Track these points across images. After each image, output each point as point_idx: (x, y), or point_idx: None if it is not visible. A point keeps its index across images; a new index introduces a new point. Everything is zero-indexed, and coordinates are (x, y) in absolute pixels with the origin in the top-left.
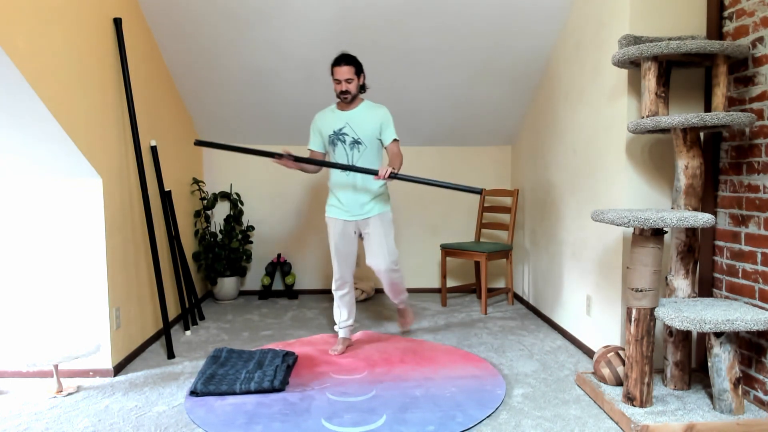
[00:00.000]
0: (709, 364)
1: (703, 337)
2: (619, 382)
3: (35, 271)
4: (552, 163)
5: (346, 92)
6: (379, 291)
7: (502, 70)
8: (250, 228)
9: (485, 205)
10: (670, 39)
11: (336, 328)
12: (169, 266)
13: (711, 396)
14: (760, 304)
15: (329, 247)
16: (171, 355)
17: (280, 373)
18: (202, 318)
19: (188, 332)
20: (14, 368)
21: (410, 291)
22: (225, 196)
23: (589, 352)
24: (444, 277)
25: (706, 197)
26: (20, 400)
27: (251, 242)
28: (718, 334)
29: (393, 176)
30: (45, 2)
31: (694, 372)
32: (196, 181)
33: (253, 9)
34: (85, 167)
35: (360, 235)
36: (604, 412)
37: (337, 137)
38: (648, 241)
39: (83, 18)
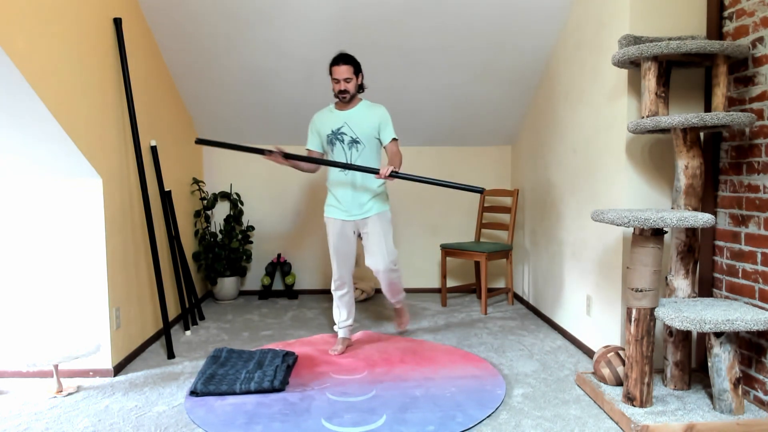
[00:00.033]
0: (709, 364)
1: (703, 337)
2: (619, 382)
3: (35, 272)
4: (552, 163)
5: (345, 92)
6: (379, 291)
7: (502, 70)
8: (250, 228)
9: (485, 205)
10: (670, 39)
11: (335, 328)
12: (169, 266)
13: (711, 396)
14: (760, 304)
15: (328, 247)
16: (171, 355)
17: (280, 373)
18: (202, 318)
19: (188, 332)
20: (14, 368)
21: (410, 291)
22: (225, 196)
23: (589, 352)
24: (444, 277)
25: (706, 197)
26: (20, 400)
27: (251, 242)
28: (718, 334)
29: (394, 175)
30: (45, 2)
31: (694, 372)
32: (196, 181)
33: (253, 9)
34: (85, 167)
35: (359, 235)
36: (604, 412)
37: (335, 137)
38: (648, 241)
39: (83, 18)
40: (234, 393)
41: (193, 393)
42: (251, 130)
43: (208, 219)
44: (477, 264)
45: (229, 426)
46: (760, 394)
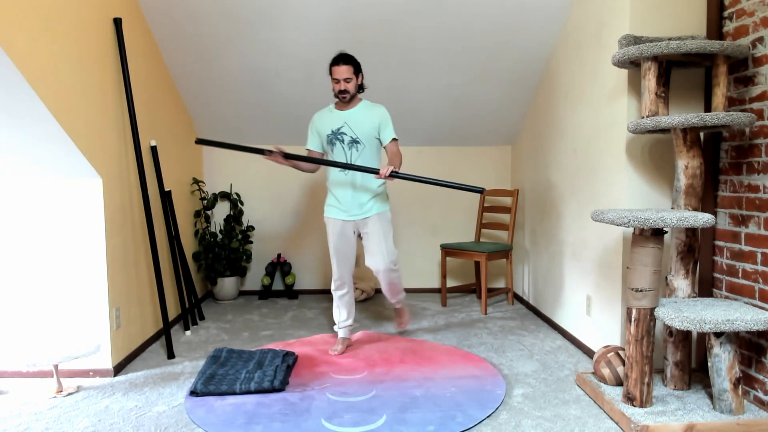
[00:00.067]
0: (709, 364)
1: (703, 337)
2: (619, 382)
3: (35, 272)
4: (552, 163)
5: (345, 91)
6: (379, 291)
7: (502, 70)
8: (250, 228)
9: (485, 205)
10: (670, 39)
11: (335, 328)
12: (169, 266)
13: (711, 396)
14: (760, 304)
15: (328, 247)
16: (171, 355)
17: (280, 373)
18: (202, 318)
19: (188, 332)
20: (14, 368)
21: (410, 291)
22: (225, 196)
23: (589, 352)
24: (444, 277)
25: (706, 197)
26: (20, 400)
27: (251, 242)
28: (718, 334)
29: (394, 175)
30: (45, 2)
31: (694, 372)
32: (196, 181)
33: (253, 9)
34: (85, 167)
35: (359, 235)
36: (604, 412)
37: (335, 137)
38: (648, 241)
39: (83, 18)
40: (234, 393)
41: (193, 393)
42: (251, 130)
43: (208, 219)
44: (477, 264)
45: (229, 426)
46: (760, 394)
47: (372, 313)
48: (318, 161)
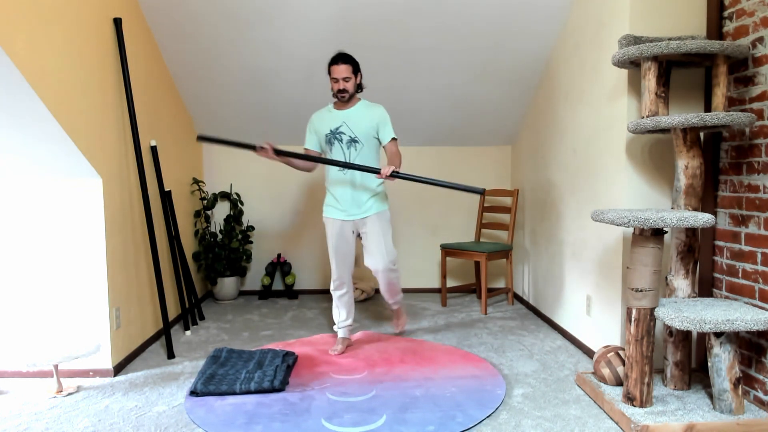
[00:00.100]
0: (709, 364)
1: (703, 337)
2: (619, 382)
3: (35, 272)
4: (552, 163)
5: (344, 91)
6: (379, 291)
7: (502, 70)
8: (250, 228)
9: (485, 205)
10: (670, 39)
11: (335, 328)
12: (169, 266)
13: (711, 396)
14: (760, 304)
15: (327, 247)
16: (171, 355)
17: (280, 373)
18: (202, 318)
19: (188, 332)
20: (14, 368)
21: (410, 291)
22: (225, 196)
23: (589, 352)
24: (444, 277)
25: (706, 197)
26: (20, 400)
27: (251, 242)
28: (718, 334)
29: (395, 175)
30: (45, 2)
31: (694, 372)
32: (196, 181)
33: (253, 9)
34: (85, 167)
35: (358, 235)
36: (604, 412)
37: (333, 136)
38: (648, 241)
39: (83, 18)
40: (234, 393)
41: (193, 393)
42: (251, 130)
43: (208, 219)
44: (477, 264)
45: (229, 426)
46: (760, 394)
47: (372, 313)
48: (314, 159)
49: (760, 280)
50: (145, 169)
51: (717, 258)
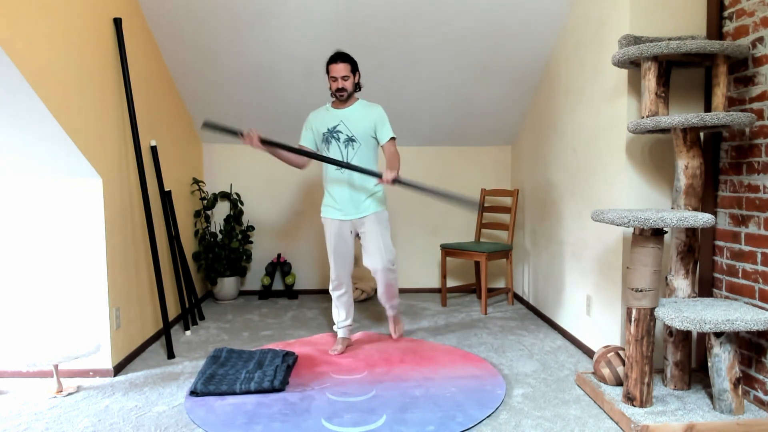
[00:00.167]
0: (709, 364)
1: (703, 337)
2: (619, 382)
3: (35, 271)
4: (552, 163)
5: (342, 89)
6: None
7: (502, 70)
8: (250, 228)
9: (485, 205)
10: (670, 39)
11: (335, 328)
12: (169, 266)
13: (711, 396)
14: (760, 304)
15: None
16: (171, 355)
17: (280, 373)
18: (202, 318)
19: (188, 332)
20: (14, 368)
21: (410, 291)
22: (225, 196)
23: (589, 352)
24: (444, 277)
25: (706, 197)
26: (20, 400)
27: (251, 242)
28: (718, 334)
29: (396, 181)
30: (45, 2)
31: (694, 372)
32: (196, 181)
33: (253, 9)
34: (85, 167)
35: (357, 235)
36: (604, 412)
37: (331, 135)
38: (648, 241)
39: (83, 18)
40: (234, 393)
41: (193, 393)
42: None
43: (208, 219)
44: (477, 264)
45: (229, 426)
46: (760, 394)
47: (372, 313)
48: (314, 156)
49: (760, 280)
50: (145, 169)
51: (717, 258)
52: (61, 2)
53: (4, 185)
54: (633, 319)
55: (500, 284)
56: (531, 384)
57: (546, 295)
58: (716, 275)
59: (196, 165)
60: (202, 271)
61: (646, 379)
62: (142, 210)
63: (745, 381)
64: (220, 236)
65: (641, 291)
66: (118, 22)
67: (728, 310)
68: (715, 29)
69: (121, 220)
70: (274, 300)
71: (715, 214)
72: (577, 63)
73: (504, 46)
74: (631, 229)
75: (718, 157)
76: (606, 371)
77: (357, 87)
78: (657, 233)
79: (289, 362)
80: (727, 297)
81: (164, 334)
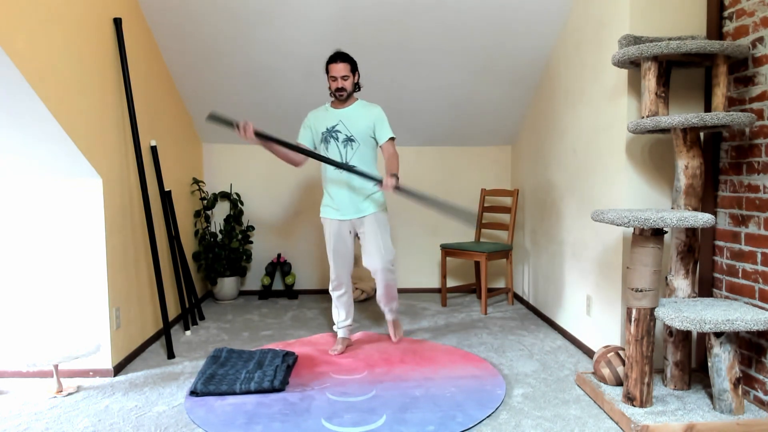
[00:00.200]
0: (709, 364)
1: (703, 337)
2: (619, 382)
3: (35, 271)
4: (552, 163)
5: (342, 89)
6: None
7: (502, 70)
8: (250, 228)
9: (485, 205)
10: (670, 39)
11: (335, 328)
12: (169, 266)
13: (711, 396)
14: (760, 304)
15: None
16: (171, 355)
17: (280, 373)
18: (202, 318)
19: (188, 332)
20: (14, 368)
21: (410, 291)
22: (225, 196)
23: (589, 352)
24: (444, 277)
25: (706, 197)
26: (20, 400)
27: (251, 242)
28: (718, 334)
29: (397, 189)
30: (45, 2)
31: (694, 372)
32: (196, 181)
33: (253, 9)
34: (85, 167)
35: (356, 235)
36: (604, 412)
37: (329, 134)
38: (648, 241)
39: (83, 18)
40: (234, 393)
41: (193, 393)
42: None
43: (208, 219)
44: (477, 264)
45: (229, 426)
46: (760, 394)
47: (372, 313)
48: (313, 154)
49: (760, 280)
50: (145, 169)
51: (717, 258)
52: (61, 2)
53: (4, 185)
54: (633, 319)
55: (500, 284)
56: (531, 384)
57: (546, 295)
58: (716, 275)
59: (196, 165)
60: (202, 271)
61: (646, 379)
62: (142, 210)
63: (745, 381)
64: (220, 236)
65: (641, 291)
66: (118, 22)
67: (728, 310)
68: (715, 29)
69: (121, 220)
70: (274, 300)
71: (715, 214)
72: (577, 63)
73: (504, 46)
74: (631, 229)
75: (718, 157)
76: (606, 371)
77: (356, 87)
78: (657, 233)
79: (289, 362)
80: (727, 297)
81: (164, 334)
